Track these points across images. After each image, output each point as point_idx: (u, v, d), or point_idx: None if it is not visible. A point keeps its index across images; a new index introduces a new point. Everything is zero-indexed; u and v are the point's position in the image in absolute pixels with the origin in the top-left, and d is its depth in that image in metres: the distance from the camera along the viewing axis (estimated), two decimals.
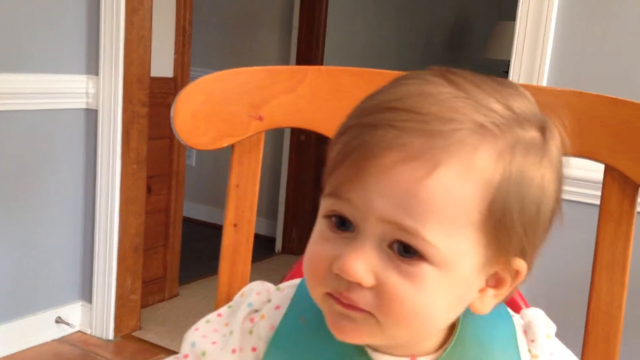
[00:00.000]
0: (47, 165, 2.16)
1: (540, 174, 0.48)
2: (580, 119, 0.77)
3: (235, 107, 0.78)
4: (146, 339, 2.31)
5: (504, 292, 0.51)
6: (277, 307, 0.57)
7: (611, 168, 0.76)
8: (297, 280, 0.60)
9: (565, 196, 1.62)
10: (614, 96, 0.77)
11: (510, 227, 0.47)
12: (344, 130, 0.48)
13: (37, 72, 2.07)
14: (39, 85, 2.07)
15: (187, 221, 3.01)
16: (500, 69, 2.96)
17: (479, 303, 0.50)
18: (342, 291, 0.47)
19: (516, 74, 1.54)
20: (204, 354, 0.59)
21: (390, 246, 0.46)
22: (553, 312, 0.66)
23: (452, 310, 0.49)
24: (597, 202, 0.78)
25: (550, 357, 0.55)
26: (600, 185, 0.78)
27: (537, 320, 0.56)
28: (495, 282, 0.50)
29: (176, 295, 2.68)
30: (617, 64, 1.46)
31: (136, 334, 2.34)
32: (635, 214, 0.77)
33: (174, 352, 2.36)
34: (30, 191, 2.13)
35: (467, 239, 0.46)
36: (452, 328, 0.54)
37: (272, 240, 3.43)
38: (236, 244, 0.81)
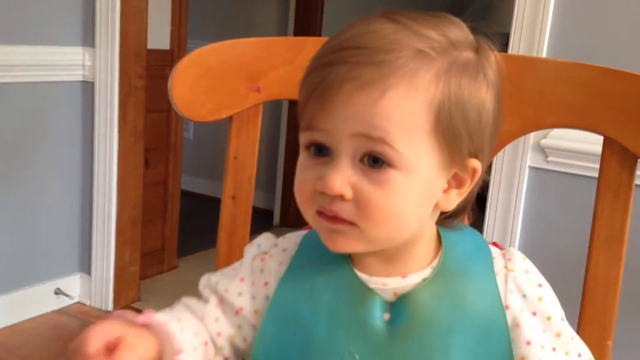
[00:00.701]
0: (45, 138, 2.15)
1: (477, 87, 0.56)
2: (580, 91, 0.77)
3: (232, 79, 0.78)
4: (145, 310, 2.32)
5: (466, 190, 0.59)
6: (284, 250, 0.64)
7: (610, 140, 0.76)
8: (301, 232, 0.66)
9: (563, 169, 1.62)
10: (614, 68, 0.76)
11: (456, 133, 0.55)
12: (308, 72, 0.56)
13: (33, 44, 2.05)
14: (34, 58, 2.06)
15: (185, 194, 3.01)
16: (499, 42, 2.94)
17: (444, 201, 0.58)
18: (326, 206, 0.55)
19: (516, 46, 1.53)
20: (217, 283, 0.66)
21: (361, 160, 0.54)
22: (550, 284, 0.67)
23: (421, 208, 0.57)
24: (596, 174, 0.78)
25: (526, 274, 0.60)
26: (599, 158, 0.78)
27: (515, 250, 0.63)
28: (456, 182, 0.58)
29: (175, 267, 2.70)
30: (617, 35, 1.45)
31: (135, 305, 2.36)
32: (633, 186, 0.77)
33: None
34: (28, 164, 2.12)
35: (423, 145, 0.54)
36: (437, 251, 0.61)
37: (270, 213, 3.44)
38: (235, 216, 0.81)
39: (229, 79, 0.78)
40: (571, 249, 1.50)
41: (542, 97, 0.77)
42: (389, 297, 0.58)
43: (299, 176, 0.57)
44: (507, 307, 0.59)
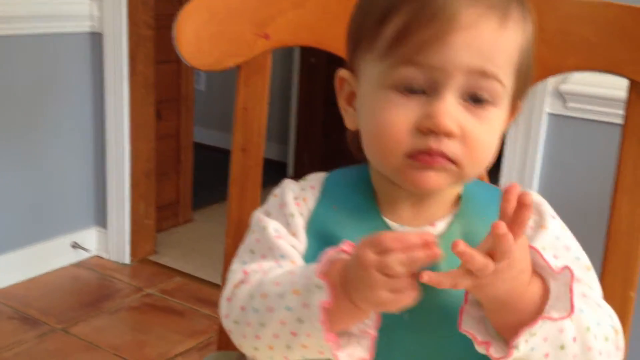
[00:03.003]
0: (55, 91, 2.13)
1: (531, 26, 0.57)
2: (604, 31, 0.73)
3: (240, 25, 0.75)
4: (162, 262, 2.34)
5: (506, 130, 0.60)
6: (312, 187, 0.63)
7: (636, 83, 0.73)
8: (320, 174, 0.65)
9: (583, 115, 1.57)
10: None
11: (524, 71, 0.57)
12: (400, 5, 0.52)
13: None
14: (41, 9, 2.02)
15: (198, 146, 2.99)
16: None
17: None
18: (432, 146, 0.53)
19: None
20: (277, 230, 0.61)
21: (464, 98, 0.53)
22: (573, 232, 0.65)
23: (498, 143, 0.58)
24: (617, 120, 0.75)
25: (556, 240, 0.60)
26: (620, 103, 0.74)
27: (544, 203, 0.63)
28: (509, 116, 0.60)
29: (190, 220, 2.70)
30: None
31: (152, 257, 2.38)
32: None
33: (190, 275, 2.39)
34: (39, 118, 2.11)
35: (510, 80, 0.55)
36: (457, 198, 0.62)
37: (283, 165, 3.42)
38: (245, 169, 0.79)
39: (236, 25, 0.75)
40: (591, 197, 1.47)
41: (564, 38, 0.73)
42: None
43: (385, 115, 0.54)
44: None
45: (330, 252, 0.52)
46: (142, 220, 2.34)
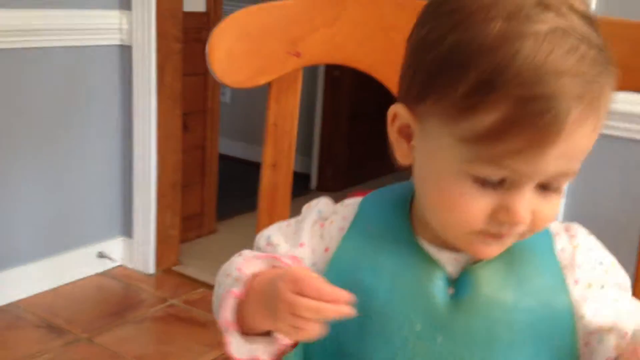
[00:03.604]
0: (84, 102, 2.16)
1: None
2: (628, 50, 0.72)
3: (271, 43, 0.76)
4: (186, 273, 2.36)
5: None
6: (344, 217, 0.63)
7: None
8: (357, 198, 0.64)
9: (610, 132, 1.55)
10: None
11: None
12: (496, 98, 0.48)
13: (70, 8, 2.05)
14: (71, 21, 2.06)
15: (223, 158, 3.01)
16: None
17: None
18: (503, 232, 0.53)
19: None
20: (277, 245, 0.63)
21: (539, 187, 0.52)
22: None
23: None
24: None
25: (589, 252, 0.59)
26: None
27: (578, 226, 0.61)
28: None
29: (214, 231, 2.72)
30: None
31: (176, 268, 2.39)
32: None
33: (213, 286, 2.42)
34: (68, 129, 2.14)
35: None
36: None
37: (307, 177, 3.43)
38: (275, 185, 0.80)
39: (268, 43, 0.76)
40: (618, 215, 1.45)
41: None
42: (456, 270, 0.57)
43: (461, 203, 0.52)
44: (576, 282, 0.57)
45: (273, 256, 0.57)
46: (168, 230, 2.36)
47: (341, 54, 0.78)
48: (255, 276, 0.55)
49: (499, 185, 0.51)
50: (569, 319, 0.56)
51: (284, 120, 0.78)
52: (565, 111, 0.47)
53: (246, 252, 0.64)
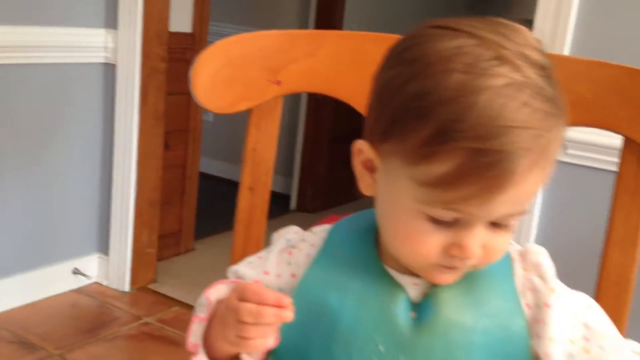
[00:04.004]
0: (66, 119, 2.17)
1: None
2: (601, 89, 0.76)
3: (253, 72, 0.78)
4: (162, 291, 2.36)
5: None
6: (313, 245, 0.65)
7: (630, 140, 0.76)
8: (327, 225, 0.67)
9: (583, 162, 1.59)
10: (636, 67, 0.76)
11: None
12: (451, 148, 0.51)
13: (56, 25, 2.07)
14: (57, 39, 2.07)
15: (204, 177, 3.03)
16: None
17: None
18: (457, 265, 0.56)
19: (539, 35, 1.51)
20: (243, 276, 0.67)
21: (490, 225, 0.55)
22: (567, 279, 0.67)
23: None
24: (616, 168, 0.77)
25: (563, 297, 0.61)
26: (619, 151, 0.77)
27: (531, 246, 0.64)
28: None
29: (192, 249, 2.72)
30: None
31: (152, 286, 2.39)
32: None
33: (189, 305, 2.40)
34: (49, 144, 2.15)
35: None
36: None
37: (287, 198, 3.45)
38: (251, 208, 0.82)
39: (250, 71, 0.79)
40: (589, 244, 1.49)
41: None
42: (416, 294, 0.60)
43: (417, 240, 0.55)
44: (528, 306, 0.60)
45: (236, 282, 0.60)
46: (144, 248, 2.36)
47: (320, 83, 0.81)
48: (219, 302, 0.59)
49: (452, 223, 0.54)
50: (524, 340, 0.59)
51: (263, 146, 0.81)
52: (515, 164, 0.51)
53: (225, 280, 0.68)
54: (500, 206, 0.53)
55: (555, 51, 1.49)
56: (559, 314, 0.59)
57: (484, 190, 0.51)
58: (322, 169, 3.34)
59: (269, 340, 0.55)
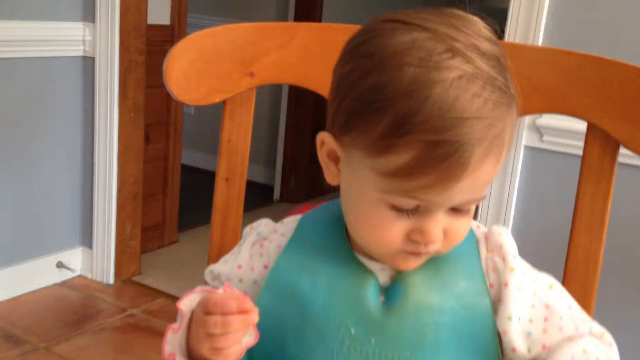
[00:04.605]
0: (45, 114, 2.17)
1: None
2: (566, 77, 0.78)
3: (226, 64, 0.80)
4: (146, 283, 2.37)
5: None
6: (283, 235, 0.67)
7: (593, 126, 0.78)
8: (297, 216, 0.68)
9: (558, 148, 1.62)
10: (600, 55, 0.78)
11: None
12: (407, 141, 0.53)
13: (33, 20, 2.06)
14: (35, 33, 2.07)
15: (186, 169, 3.03)
16: (500, 17, 2.93)
17: None
18: (421, 250, 0.58)
19: (512, 34, 1.53)
20: (219, 274, 0.69)
21: (451, 210, 0.58)
22: (544, 263, 0.69)
23: None
24: (579, 152, 0.79)
25: (523, 277, 0.63)
26: (582, 135, 0.80)
27: (495, 228, 0.66)
28: None
29: (175, 241, 2.73)
30: (612, 24, 1.45)
31: (136, 278, 2.40)
32: (615, 171, 0.79)
33: (173, 297, 2.41)
34: (29, 139, 2.15)
35: None
36: None
37: (270, 189, 3.47)
38: (228, 198, 0.83)
39: (223, 63, 0.80)
40: (565, 228, 1.52)
41: (528, 82, 0.79)
42: (385, 279, 0.62)
43: (379, 228, 0.58)
44: (491, 286, 0.62)
45: (208, 290, 0.62)
46: (128, 241, 2.37)
47: (293, 75, 0.83)
48: (194, 312, 0.61)
49: (414, 210, 0.57)
50: (490, 319, 0.61)
51: (238, 137, 0.82)
52: (469, 153, 0.53)
53: (197, 288, 0.69)
54: (458, 194, 0.55)
55: (529, 40, 1.51)
56: (517, 294, 0.61)
57: (441, 179, 0.54)
58: (304, 159, 3.36)
59: (245, 341, 0.58)
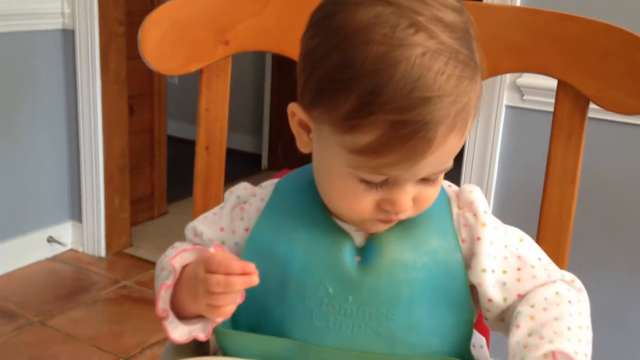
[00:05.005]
0: (28, 88, 2.16)
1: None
2: (534, 35, 0.79)
3: (200, 33, 0.80)
4: (138, 255, 2.39)
5: None
6: (262, 199, 0.69)
7: (563, 83, 0.80)
8: (275, 180, 0.71)
9: (539, 107, 1.63)
10: (566, 13, 0.79)
11: None
12: (373, 121, 0.54)
13: None
14: (13, 7, 2.04)
15: (173, 140, 3.03)
16: None
17: None
18: (392, 218, 0.61)
19: None
20: (202, 233, 0.71)
21: (419, 180, 0.59)
22: (526, 223, 0.71)
23: None
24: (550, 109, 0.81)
25: (495, 231, 0.65)
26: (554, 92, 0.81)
27: (466, 185, 0.68)
28: None
29: (165, 213, 2.75)
30: None
31: (127, 250, 2.42)
32: (585, 127, 0.81)
33: None
34: (13, 114, 2.14)
35: None
36: None
37: (258, 157, 3.48)
38: (209, 166, 0.85)
39: (197, 32, 0.81)
40: (536, 178, 1.55)
41: (498, 42, 0.80)
42: (360, 240, 0.64)
43: (350, 200, 0.59)
44: (463, 241, 0.65)
45: (199, 248, 0.63)
46: (117, 213, 2.39)
47: (268, 41, 0.83)
48: (184, 268, 0.63)
49: (383, 183, 0.58)
50: (461, 274, 0.64)
51: (215, 106, 0.84)
52: (434, 131, 0.54)
53: (177, 244, 0.72)
54: (424, 168, 0.57)
55: (507, 0, 1.52)
56: (489, 247, 0.64)
57: (407, 157, 0.55)
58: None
59: (238, 302, 0.60)
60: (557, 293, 0.63)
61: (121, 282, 2.19)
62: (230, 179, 0.86)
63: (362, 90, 0.54)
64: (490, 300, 0.64)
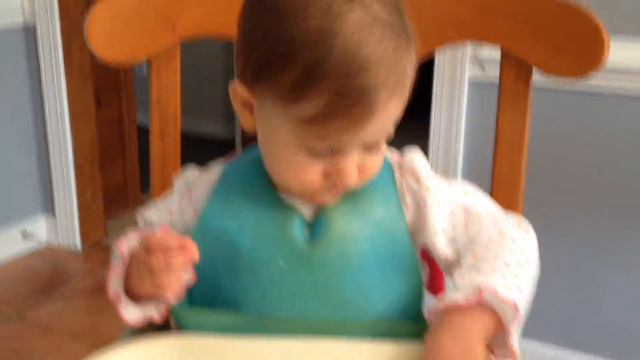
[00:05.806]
0: None
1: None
2: (478, 5, 0.81)
3: (146, 22, 0.81)
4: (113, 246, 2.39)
5: None
6: (209, 181, 0.70)
7: (506, 52, 0.81)
8: (222, 161, 0.72)
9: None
10: None
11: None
12: (316, 91, 0.56)
13: None
14: None
15: (144, 131, 3.01)
16: None
17: None
18: (338, 187, 0.63)
19: None
20: (151, 219, 0.73)
21: (362, 148, 0.61)
22: (484, 190, 0.73)
23: None
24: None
25: (439, 192, 0.67)
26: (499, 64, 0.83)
27: (407, 153, 0.70)
28: None
29: (140, 203, 2.74)
30: None
31: (103, 242, 2.42)
32: (530, 95, 0.83)
33: None
34: None
35: None
36: None
37: (232, 142, 3.47)
38: (164, 152, 0.86)
39: (143, 20, 0.81)
40: (480, 146, 1.57)
41: (441, 15, 0.81)
42: (309, 214, 0.66)
43: (302, 173, 0.61)
44: (407, 208, 0.67)
45: (144, 230, 0.64)
46: (90, 206, 2.38)
47: (215, 27, 0.84)
48: (131, 252, 0.64)
49: (329, 152, 0.60)
50: (406, 241, 0.66)
51: (167, 96, 0.84)
52: (375, 98, 0.57)
53: (129, 233, 0.72)
54: (368, 134, 0.59)
55: None
56: (436, 209, 0.66)
57: (351, 124, 0.58)
58: None
59: (184, 279, 0.61)
60: (500, 232, 0.65)
61: (98, 273, 2.20)
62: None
63: (306, 59, 0.56)
64: (447, 258, 0.66)
